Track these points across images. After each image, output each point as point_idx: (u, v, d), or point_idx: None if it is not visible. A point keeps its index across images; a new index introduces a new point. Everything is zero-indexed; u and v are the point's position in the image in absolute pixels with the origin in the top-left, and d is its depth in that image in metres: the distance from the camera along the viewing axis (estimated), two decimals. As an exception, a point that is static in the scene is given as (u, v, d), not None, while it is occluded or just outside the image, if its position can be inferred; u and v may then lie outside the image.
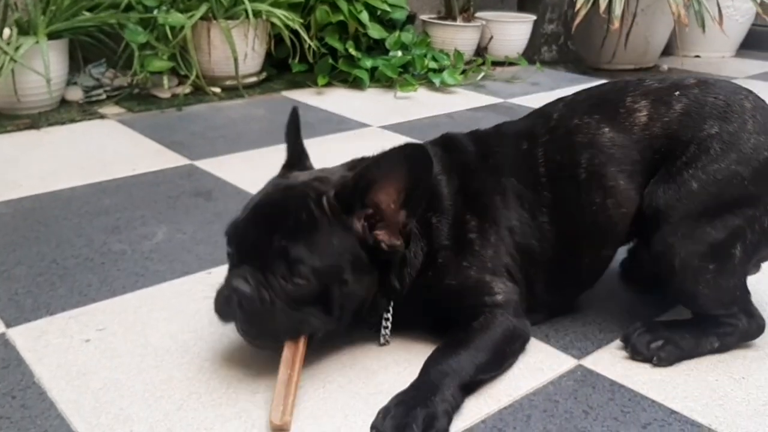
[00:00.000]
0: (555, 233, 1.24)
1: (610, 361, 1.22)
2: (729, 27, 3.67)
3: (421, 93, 3.10)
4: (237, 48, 2.85)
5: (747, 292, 1.21)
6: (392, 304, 1.22)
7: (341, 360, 1.21)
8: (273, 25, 2.97)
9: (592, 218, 1.22)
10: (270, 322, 1.11)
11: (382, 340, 1.25)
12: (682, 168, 1.14)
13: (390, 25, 3.29)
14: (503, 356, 1.17)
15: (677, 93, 1.20)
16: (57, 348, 1.25)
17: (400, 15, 3.25)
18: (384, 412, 1.05)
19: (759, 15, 3.94)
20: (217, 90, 2.97)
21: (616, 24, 3.40)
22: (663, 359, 1.20)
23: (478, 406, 1.10)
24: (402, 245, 1.14)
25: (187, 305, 1.39)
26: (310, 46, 2.98)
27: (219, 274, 1.48)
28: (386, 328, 1.24)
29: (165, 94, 2.91)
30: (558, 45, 3.93)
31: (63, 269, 1.53)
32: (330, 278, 1.11)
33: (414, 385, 1.09)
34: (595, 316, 1.36)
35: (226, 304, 1.13)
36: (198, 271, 1.53)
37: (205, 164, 2.20)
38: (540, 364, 1.21)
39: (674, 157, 1.16)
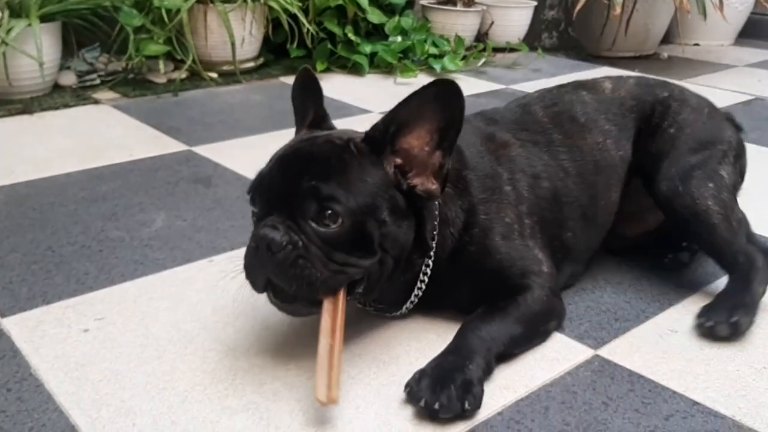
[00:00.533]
0: (575, 170, 1.32)
1: (627, 351, 1.18)
2: (728, 15, 3.63)
3: (422, 79, 3.04)
4: (234, 32, 2.79)
5: (748, 224, 1.38)
6: (429, 272, 1.18)
7: (360, 330, 1.17)
8: (271, 9, 2.90)
9: (600, 156, 1.36)
10: (305, 270, 1.02)
11: (404, 308, 1.22)
12: (657, 122, 1.39)
13: (389, 9, 3.23)
14: (537, 332, 1.18)
15: (625, 76, 1.53)
16: (54, 338, 1.20)
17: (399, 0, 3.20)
18: (420, 374, 1.03)
19: (758, 3, 3.92)
20: (214, 75, 2.91)
21: (618, 10, 3.36)
22: (743, 324, 1.21)
23: (494, 398, 1.06)
24: (438, 189, 1.09)
25: (189, 294, 1.34)
26: (308, 30, 2.92)
27: (221, 262, 1.45)
28: (417, 296, 1.20)
29: (160, 80, 2.85)
30: (559, 31, 3.89)
31: (59, 257, 1.48)
32: (366, 217, 1.04)
33: (450, 350, 1.08)
34: (609, 305, 1.33)
35: (254, 258, 1.05)
36: (199, 258, 1.49)
37: (204, 150, 2.15)
38: (556, 354, 1.17)
39: (646, 115, 1.41)
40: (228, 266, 1.39)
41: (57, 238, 1.57)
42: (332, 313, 1.05)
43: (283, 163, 1.10)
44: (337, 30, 3.00)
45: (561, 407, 1.05)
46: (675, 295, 1.36)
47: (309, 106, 1.23)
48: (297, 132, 1.25)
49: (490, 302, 1.16)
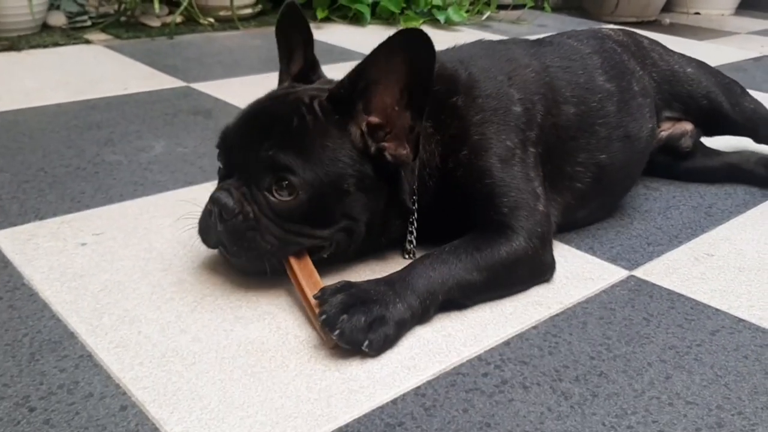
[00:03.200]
0: (617, 91, 1.25)
1: (664, 272, 1.12)
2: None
3: (425, 30, 2.94)
4: (232, -26, 2.68)
5: None
6: (416, 218, 1.08)
7: (359, 272, 1.09)
8: (270, -48, 2.80)
9: (639, 81, 1.31)
10: (252, 243, 0.97)
11: (406, 254, 1.12)
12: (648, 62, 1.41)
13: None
14: (503, 286, 1.02)
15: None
16: (48, 251, 1.11)
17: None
18: (341, 287, 0.91)
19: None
20: (210, 21, 2.80)
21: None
22: None
23: (527, 312, 0.99)
24: (409, 155, 0.98)
25: (195, 213, 1.25)
26: (309, -25, 2.82)
27: (226, 183, 1.36)
28: (411, 242, 1.10)
29: (155, 23, 2.73)
30: (564, -8, 3.80)
31: (52, 177, 1.39)
32: (326, 188, 0.96)
33: (388, 279, 0.95)
34: (640, 230, 1.25)
35: (206, 218, 1.00)
36: (203, 182, 1.40)
37: (202, 86, 2.05)
38: (588, 274, 1.10)
39: (643, 54, 1.42)
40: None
41: (49, 160, 1.47)
42: (291, 273, 0.99)
43: (245, 124, 1.02)
44: (338, -23, 2.90)
45: (600, 322, 0.98)
46: (706, 222, 1.29)
47: (295, 48, 1.12)
48: (280, 78, 1.16)
49: (464, 238, 1.02)
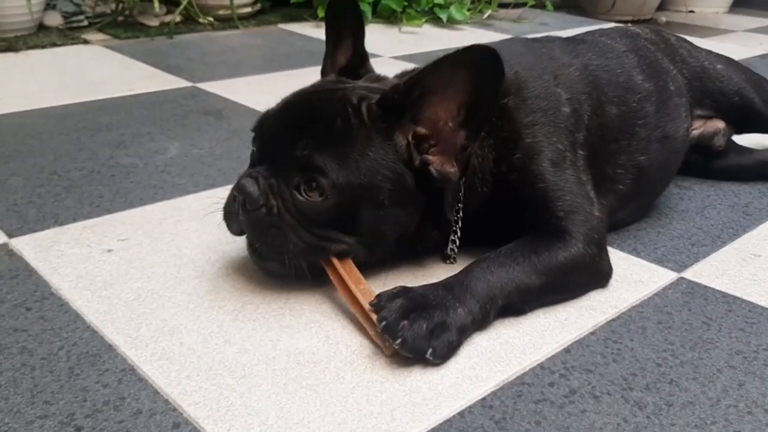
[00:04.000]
0: (655, 91, 1.21)
1: (714, 274, 1.08)
2: (724, -19, 3.59)
3: (427, 29, 2.91)
4: (233, -28, 2.63)
5: None
6: (459, 225, 1.03)
7: (395, 276, 1.05)
8: (270, -50, 2.75)
9: (673, 80, 1.28)
10: (276, 239, 0.92)
11: (447, 259, 1.07)
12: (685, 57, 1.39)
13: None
14: (562, 290, 0.98)
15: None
16: (74, 258, 1.06)
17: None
18: (399, 292, 0.87)
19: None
20: (209, 20, 2.74)
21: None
22: None
23: (582, 317, 0.95)
24: (456, 173, 0.94)
25: (221, 217, 1.20)
26: (311, -27, 2.77)
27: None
28: (454, 242, 1.06)
29: (153, 23, 2.67)
30: (561, -10, 3.78)
31: (67, 181, 1.33)
32: (359, 198, 0.91)
33: (446, 284, 0.91)
34: (681, 231, 1.22)
35: (230, 204, 0.96)
36: (224, 184, 1.34)
37: (209, 86, 1.99)
38: (637, 276, 1.07)
39: (672, 52, 1.38)
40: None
41: (62, 163, 1.41)
42: (335, 277, 0.94)
43: (286, 115, 0.97)
44: (339, -24, 2.84)
45: (659, 327, 0.94)
46: (745, 222, 1.26)
47: (343, 38, 1.07)
48: (324, 69, 1.11)
49: (520, 240, 0.98)
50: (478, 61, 0.86)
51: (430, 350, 0.82)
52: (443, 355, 0.83)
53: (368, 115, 0.93)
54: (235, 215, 0.95)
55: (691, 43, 1.47)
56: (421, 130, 0.93)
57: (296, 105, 0.97)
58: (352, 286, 0.91)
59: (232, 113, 1.77)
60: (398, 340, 0.81)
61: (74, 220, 1.18)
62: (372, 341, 0.88)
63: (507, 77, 1.04)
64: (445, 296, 0.87)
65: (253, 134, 1.01)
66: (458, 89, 0.88)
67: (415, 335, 0.82)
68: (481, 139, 0.99)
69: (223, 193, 1.29)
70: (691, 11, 4.10)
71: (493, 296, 0.89)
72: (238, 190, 0.94)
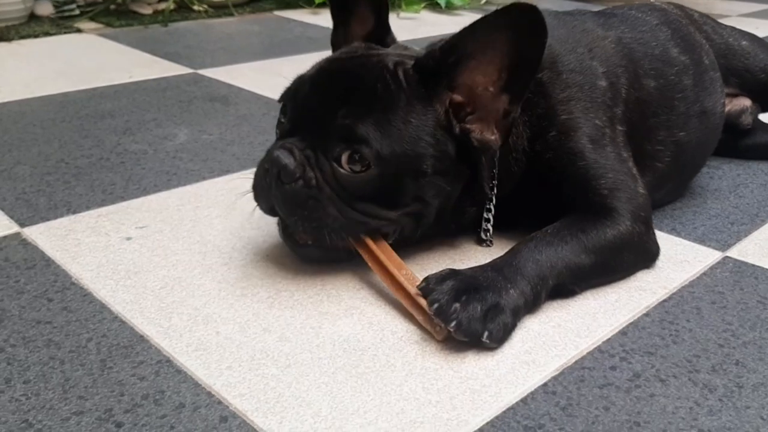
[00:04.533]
0: (692, 64, 1.17)
1: (759, 253, 1.05)
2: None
3: (425, 15, 2.86)
4: (228, -42, 2.56)
5: None
6: (494, 204, 0.99)
7: (435, 259, 1.00)
8: (266, -65, 2.68)
9: (707, 54, 1.25)
10: (314, 213, 0.86)
11: (483, 238, 1.02)
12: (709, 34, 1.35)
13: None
14: (611, 271, 0.94)
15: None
16: (92, 247, 1.00)
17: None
18: (449, 273, 0.82)
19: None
20: (203, 8, 2.67)
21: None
22: None
23: (633, 299, 0.91)
24: (497, 140, 0.89)
25: (241, 203, 1.15)
26: (307, -42, 2.70)
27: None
28: (488, 222, 1.01)
29: (146, 10, 2.60)
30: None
31: (75, 169, 1.27)
32: (402, 167, 0.86)
33: (496, 265, 0.86)
34: (717, 210, 1.19)
35: (262, 178, 0.89)
36: (239, 170, 1.29)
37: (211, 73, 1.93)
38: (682, 256, 1.03)
39: (697, 27, 1.32)
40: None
41: (68, 151, 1.35)
42: (373, 260, 0.88)
43: (323, 82, 0.90)
44: (335, -39, 2.78)
45: (713, 307, 0.90)
46: (779, 201, 1.23)
47: (360, 7, 1.00)
48: (335, 40, 1.04)
49: (565, 219, 0.94)
50: (519, 21, 0.81)
51: (486, 333, 0.77)
52: (499, 338, 0.79)
53: (406, 80, 0.88)
54: (266, 190, 0.89)
55: (714, 20, 1.43)
56: (458, 97, 0.89)
57: (333, 72, 0.91)
58: (394, 271, 0.86)
59: (238, 99, 1.72)
60: (453, 323, 0.77)
61: (88, 208, 1.12)
62: (420, 327, 0.83)
63: None
64: (495, 278, 0.82)
65: (281, 104, 0.95)
66: (498, 52, 0.84)
67: (470, 317, 0.77)
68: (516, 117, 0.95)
69: (238, 179, 1.24)
70: (670, 3, 4.09)
71: (544, 276, 0.85)
72: (272, 162, 0.87)
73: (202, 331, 0.82)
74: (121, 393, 0.72)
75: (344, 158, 0.86)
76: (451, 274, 0.82)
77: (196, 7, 2.64)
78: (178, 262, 0.97)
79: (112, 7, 2.61)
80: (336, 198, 0.87)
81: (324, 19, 2.72)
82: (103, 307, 0.86)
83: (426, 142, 0.88)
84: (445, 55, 0.87)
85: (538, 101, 0.97)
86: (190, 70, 1.95)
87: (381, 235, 0.91)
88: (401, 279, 0.85)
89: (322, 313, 0.86)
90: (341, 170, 0.86)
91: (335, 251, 0.91)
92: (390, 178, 0.87)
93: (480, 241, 1.03)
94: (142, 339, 0.80)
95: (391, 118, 0.86)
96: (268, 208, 0.92)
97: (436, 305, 0.78)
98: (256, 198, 0.93)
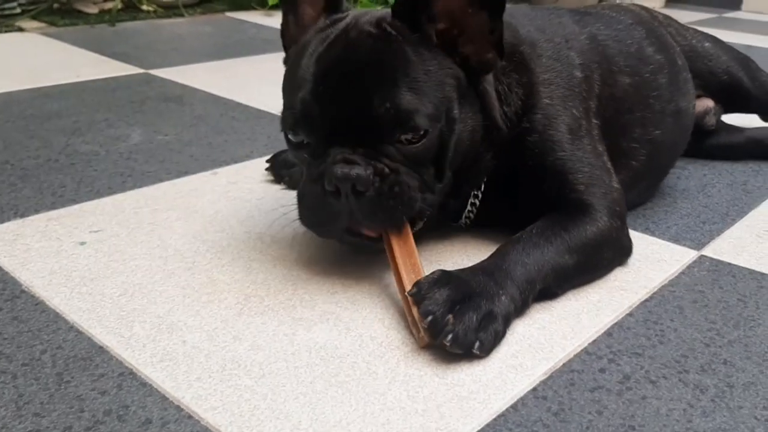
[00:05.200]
0: (667, 63, 1.16)
1: (733, 251, 1.04)
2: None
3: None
4: (178, -44, 2.49)
5: None
6: (483, 186, 0.97)
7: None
8: (217, -66, 2.62)
9: (678, 54, 1.24)
10: (401, 195, 0.82)
11: (462, 220, 1.00)
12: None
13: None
14: (591, 268, 0.92)
15: None
16: (43, 252, 0.93)
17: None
18: (440, 277, 0.78)
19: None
20: (152, 8, 2.59)
21: (572, -43, 3.27)
22: None
23: (614, 299, 0.89)
24: (495, 57, 0.87)
25: (202, 205, 1.10)
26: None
27: (227, 173, 1.21)
28: (471, 212, 0.99)
29: (92, 10, 2.51)
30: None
31: (21, 170, 1.19)
32: (442, 119, 0.84)
33: (485, 267, 0.83)
34: (688, 209, 1.18)
35: (334, 205, 0.82)
36: (199, 171, 1.23)
37: (164, 73, 1.86)
38: (658, 255, 1.01)
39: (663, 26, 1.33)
40: (237, 177, 1.18)
41: (12, 152, 1.27)
42: (399, 250, 0.84)
43: (334, 82, 0.83)
44: (289, -38, 2.73)
45: (696, 306, 0.89)
46: (747, 199, 1.23)
47: None
48: (285, 26, 0.99)
49: (546, 218, 0.91)
50: None
51: (477, 343, 0.74)
52: (490, 347, 0.75)
53: (397, 32, 0.84)
54: (342, 213, 0.83)
55: (678, 22, 1.43)
56: (441, 26, 0.86)
57: (334, 69, 0.84)
58: (399, 261, 0.81)
59: (193, 99, 1.65)
60: (449, 336, 0.72)
61: (36, 211, 1.05)
62: (404, 328, 0.79)
63: (519, 34, 0.98)
64: (487, 282, 0.79)
65: (291, 131, 0.87)
66: None
67: (466, 329, 0.73)
68: (506, 70, 0.94)
69: (198, 181, 1.19)
70: (635, 3, 4.16)
71: (532, 280, 0.82)
72: (340, 181, 0.80)
73: (167, 340, 0.76)
74: (81, 409, 0.66)
75: (404, 137, 0.82)
76: (444, 278, 0.78)
77: (144, 7, 2.55)
78: (137, 267, 0.91)
79: (56, 5, 2.50)
80: (413, 173, 0.84)
81: (278, 20, 2.65)
82: (57, 317, 0.80)
83: (449, 84, 0.86)
84: None
85: (523, 71, 0.96)
86: (141, 70, 1.87)
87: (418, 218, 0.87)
88: (403, 274, 0.80)
89: (296, 319, 0.81)
90: (407, 147, 0.83)
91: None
92: (441, 137, 0.84)
93: (464, 220, 1.00)
94: (101, 350, 0.74)
95: (415, 76, 0.83)
96: (341, 231, 0.86)
97: (430, 318, 0.74)
98: (321, 230, 0.88)
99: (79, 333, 0.77)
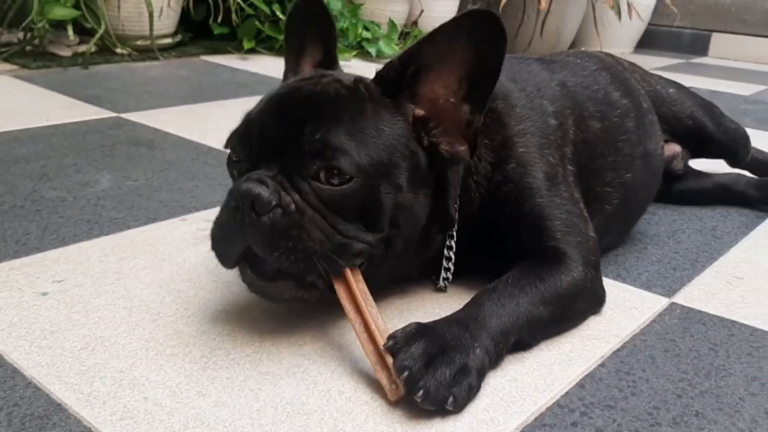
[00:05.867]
0: (633, 108, 1.18)
1: (704, 298, 1.04)
2: (630, 23, 3.74)
3: (356, 63, 2.86)
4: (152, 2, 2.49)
5: None
6: (455, 239, 0.96)
7: (386, 308, 0.95)
8: (193, -21, 2.63)
9: (645, 99, 1.26)
10: (298, 243, 0.78)
11: (440, 282, 0.99)
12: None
13: (316, -9, 3.03)
14: (565, 319, 0.91)
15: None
16: (3, 303, 0.91)
17: (328, -20, 3.01)
18: (416, 331, 0.76)
19: (657, 11, 4.09)
20: (127, 51, 2.58)
21: (544, 4, 3.34)
22: None
23: (587, 348, 0.88)
24: (466, 151, 0.86)
25: (170, 253, 1.08)
26: (236, 2, 2.66)
27: (196, 221, 1.20)
28: (448, 270, 0.98)
29: (65, 52, 2.50)
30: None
31: (-16, 217, 1.17)
32: (381, 179, 0.81)
33: (460, 318, 0.81)
34: (659, 255, 1.18)
35: (231, 222, 0.80)
36: (168, 218, 1.22)
37: (136, 117, 1.85)
38: (630, 303, 1.01)
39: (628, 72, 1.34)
40: (207, 224, 1.16)
41: (-24, 198, 1.24)
42: (349, 298, 0.81)
43: (280, 105, 0.84)
44: (263, 7, 2.76)
45: (667, 356, 0.88)
46: (717, 245, 1.24)
47: (312, 44, 0.97)
48: (286, 77, 1.01)
49: (521, 266, 0.91)
50: (478, 27, 0.79)
51: (450, 399, 0.72)
52: (464, 403, 0.74)
53: (368, 92, 0.84)
54: (238, 234, 0.79)
55: (642, 68, 1.46)
56: (420, 111, 0.86)
57: (288, 96, 0.85)
58: (368, 316, 0.79)
59: (165, 143, 1.64)
60: (420, 392, 0.71)
61: (-2, 260, 1.02)
62: (371, 384, 0.77)
63: None
64: (462, 335, 0.78)
65: (230, 147, 0.87)
66: (457, 61, 0.82)
67: (438, 384, 0.72)
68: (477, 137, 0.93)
69: (167, 227, 1.17)
70: (600, 52, 4.25)
71: (506, 333, 0.81)
72: (242, 196, 0.78)
73: (128, 396, 0.74)
74: (34, 473, 0.63)
75: (323, 175, 0.80)
76: (420, 331, 0.77)
77: (119, 50, 2.55)
78: (100, 319, 0.88)
79: (29, 48, 2.49)
80: (319, 219, 0.80)
81: (253, 64, 2.68)
82: (15, 372, 0.77)
83: (400, 153, 0.84)
84: (405, 66, 0.84)
85: (496, 129, 0.96)
86: (112, 114, 1.86)
87: (352, 258, 0.83)
88: (373, 327, 0.78)
89: (262, 373, 0.79)
90: (322, 186, 0.80)
91: (309, 289, 0.82)
92: (369, 191, 0.81)
93: (440, 280, 0.99)
94: (59, 407, 0.72)
95: (362, 126, 0.82)
96: (235, 257, 0.83)
97: (406, 373, 0.72)
98: (219, 248, 0.84)
99: (37, 389, 0.74)
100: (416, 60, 0.83)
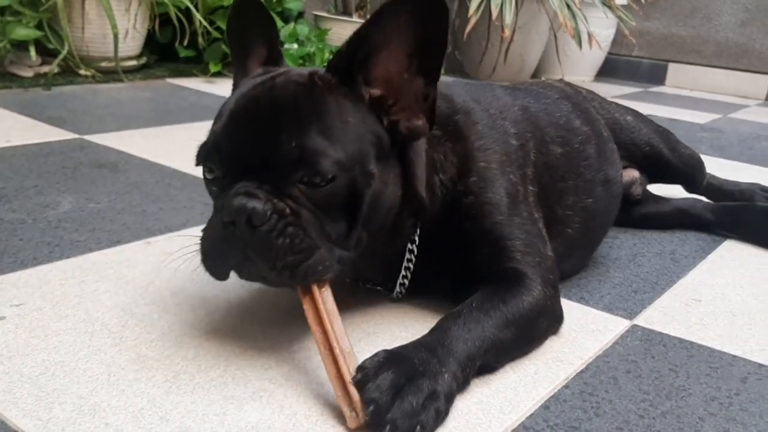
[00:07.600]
0: (593, 134, 1.21)
1: (664, 320, 1.06)
2: (591, 53, 3.82)
3: (322, 87, 2.87)
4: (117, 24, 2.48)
5: None
6: (416, 243, 0.97)
7: (353, 331, 0.95)
8: (158, 3, 2.62)
9: (603, 128, 1.29)
10: (296, 237, 0.79)
11: (397, 288, 1.00)
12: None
13: (283, 17, 3.05)
14: (527, 341, 0.92)
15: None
16: (-42, 328, 0.88)
17: (295, 5, 3.03)
18: (384, 360, 0.77)
19: (616, 42, 4.20)
20: (91, 72, 2.56)
21: (507, 33, 3.40)
22: None
23: (551, 370, 0.89)
24: (425, 125, 0.88)
25: (134, 276, 1.06)
26: (202, 25, 2.66)
27: (161, 243, 1.18)
28: (405, 277, 0.99)
29: (27, 73, 2.46)
30: (446, 54, 3.89)
31: (-60, 240, 1.14)
32: (355, 170, 0.82)
33: (427, 343, 0.81)
34: (620, 279, 1.21)
35: (226, 237, 0.80)
36: (132, 240, 1.20)
37: (99, 138, 1.83)
38: (592, 325, 1.02)
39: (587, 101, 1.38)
40: (172, 247, 1.15)
41: (-69, 220, 1.22)
42: (315, 318, 0.80)
43: (247, 118, 0.84)
44: (230, 31, 2.75)
45: (629, 377, 0.89)
46: (676, 268, 1.27)
47: (256, 43, 0.96)
48: (236, 80, 1.00)
49: (484, 289, 0.92)
50: (418, 3, 0.81)
51: (418, 427, 0.72)
52: (432, 429, 0.74)
53: (325, 84, 0.84)
54: (233, 249, 0.80)
55: (600, 96, 1.50)
56: (376, 92, 0.87)
57: (251, 107, 0.84)
58: (330, 334, 0.78)
59: (128, 166, 1.62)
60: (386, 427, 0.71)
61: (-46, 283, 1.00)
62: (341, 403, 0.77)
63: (455, 103, 1.01)
64: (429, 360, 0.78)
65: (202, 164, 0.87)
66: (404, 37, 0.83)
67: (404, 414, 0.72)
68: (441, 141, 0.96)
69: (131, 250, 1.15)
70: (561, 79, 4.33)
71: (473, 357, 0.82)
72: (236, 212, 0.78)
73: (89, 423, 0.72)
74: (-10, 502, 0.61)
75: (307, 178, 0.80)
76: (389, 359, 0.77)
77: (82, 72, 2.52)
78: (60, 343, 0.87)
79: (-11, 68, 2.45)
80: (314, 219, 0.81)
81: (219, 87, 2.67)
82: (-31, 399, 0.75)
83: (368, 140, 0.85)
84: (354, 50, 0.85)
85: (458, 139, 0.98)
86: (75, 136, 1.84)
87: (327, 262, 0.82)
88: (337, 351, 0.77)
89: (227, 397, 0.79)
90: (311, 190, 0.80)
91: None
92: (350, 185, 0.82)
93: (394, 292, 1.00)
94: (16, 435, 0.70)
95: (330, 122, 0.82)
96: (229, 269, 0.83)
97: (372, 407, 0.72)
98: (212, 264, 0.84)
99: (-8, 416, 0.72)
100: (364, 43, 0.84)
